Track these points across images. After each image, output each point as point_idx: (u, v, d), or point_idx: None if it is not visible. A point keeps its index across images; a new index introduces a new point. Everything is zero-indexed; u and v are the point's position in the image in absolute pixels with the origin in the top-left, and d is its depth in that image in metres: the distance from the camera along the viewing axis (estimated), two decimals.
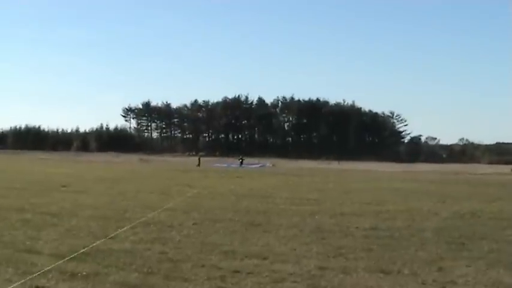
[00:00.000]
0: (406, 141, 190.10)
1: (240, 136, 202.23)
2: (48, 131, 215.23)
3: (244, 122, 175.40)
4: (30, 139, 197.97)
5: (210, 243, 16.05)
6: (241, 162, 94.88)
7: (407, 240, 17.49)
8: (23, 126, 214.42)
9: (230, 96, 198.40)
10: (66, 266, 12.66)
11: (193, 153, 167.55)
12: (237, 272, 12.52)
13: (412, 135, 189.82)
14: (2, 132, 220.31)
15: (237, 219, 21.36)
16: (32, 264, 12.67)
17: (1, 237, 16.53)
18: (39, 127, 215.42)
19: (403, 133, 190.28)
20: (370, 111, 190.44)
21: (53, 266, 12.50)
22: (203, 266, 13.07)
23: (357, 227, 19.96)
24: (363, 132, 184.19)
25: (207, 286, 11.31)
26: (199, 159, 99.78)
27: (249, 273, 12.45)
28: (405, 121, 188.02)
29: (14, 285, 10.93)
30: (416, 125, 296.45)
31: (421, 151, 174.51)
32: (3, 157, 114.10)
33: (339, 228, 19.65)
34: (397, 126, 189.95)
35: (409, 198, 32.68)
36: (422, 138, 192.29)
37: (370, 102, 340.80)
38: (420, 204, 28.70)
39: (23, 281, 11.26)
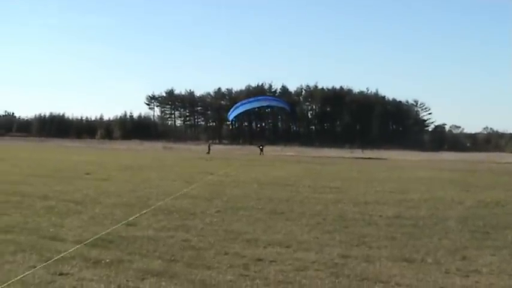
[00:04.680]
0: (430, 129, 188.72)
1: (263, 124, 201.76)
2: (72, 119, 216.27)
3: (268, 110, 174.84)
4: (54, 127, 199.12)
5: (233, 231, 16.08)
6: (261, 150, 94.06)
7: (431, 229, 17.42)
8: (47, 114, 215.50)
9: (253, 84, 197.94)
10: (90, 253, 12.74)
11: (217, 141, 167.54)
12: (260, 260, 12.54)
13: (436, 123, 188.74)
14: (27, 120, 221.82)
15: (260, 207, 21.39)
16: (56, 251, 12.73)
17: (26, 224, 16.65)
18: (63, 115, 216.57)
19: (427, 122, 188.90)
20: (394, 99, 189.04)
21: (76, 253, 12.58)
22: (226, 253, 13.10)
23: (380, 216, 19.92)
24: (386, 120, 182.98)
25: (230, 274, 11.31)
26: (209, 146, 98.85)
27: (272, 261, 12.46)
28: (429, 109, 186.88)
29: (38, 271, 11.01)
30: (440, 113, 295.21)
31: (445, 140, 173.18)
32: (28, 145, 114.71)
33: (362, 217, 19.61)
34: (421, 114, 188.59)
35: (433, 187, 32.50)
36: (447, 127, 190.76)
37: (394, 90, 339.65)
38: (444, 193, 28.56)
39: (47, 267, 11.34)
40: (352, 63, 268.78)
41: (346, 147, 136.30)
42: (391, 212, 20.84)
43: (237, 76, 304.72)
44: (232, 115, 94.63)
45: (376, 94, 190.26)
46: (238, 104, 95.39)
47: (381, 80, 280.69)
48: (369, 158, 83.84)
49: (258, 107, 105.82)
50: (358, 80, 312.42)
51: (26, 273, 10.82)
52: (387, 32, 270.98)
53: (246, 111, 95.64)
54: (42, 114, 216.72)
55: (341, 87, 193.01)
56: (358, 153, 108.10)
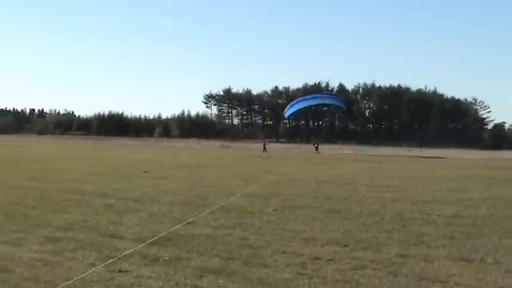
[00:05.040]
0: (489, 128, 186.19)
1: (320, 123, 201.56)
2: (130, 118, 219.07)
3: (325, 108, 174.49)
4: (113, 125, 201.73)
5: (291, 230, 16.07)
6: (317, 148, 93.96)
7: (491, 228, 17.17)
8: (106, 113, 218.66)
9: (311, 82, 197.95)
10: (148, 250, 12.87)
11: (274, 139, 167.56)
12: (318, 258, 12.51)
13: (496, 122, 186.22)
14: (86, 118, 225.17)
15: (317, 206, 21.32)
16: (114, 249, 12.91)
17: (85, 222, 16.89)
18: (122, 114, 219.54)
19: (486, 120, 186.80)
20: (452, 97, 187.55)
21: (135, 250, 12.72)
22: (283, 252, 13.09)
23: (438, 215, 19.69)
24: (445, 119, 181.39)
25: (288, 272, 11.32)
26: (264, 145, 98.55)
27: (329, 260, 12.43)
28: (488, 108, 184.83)
29: (98, 269, 11.15)
30: (499, 111, 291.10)
31: (504, 138, 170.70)
32: (88, 143, 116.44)
33: (421, 216, 19.42)
34: (480, 113, 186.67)
35: (492, 185, 32.04)
36: (506, 125, 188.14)
37: (452, 88, 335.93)
38: (504, 192, 28.16)
39: (106, 264, 11.48)
40: (410, 61, 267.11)
41: (404, 145, 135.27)
42: (449, 211, 20.60)
43: (294, 74, 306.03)
44: (288, 112, 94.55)
45: (435, 92, 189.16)
46: (295, 101, 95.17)
47: (439, 78, 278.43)
48: (427, 157, 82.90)
49: (314, 105, 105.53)
50: (416, 78, 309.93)
51: (86, 270, 10.98)
52: (445, 30, 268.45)
53: (302, 108, 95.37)
54: (101, 113, 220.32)
55: (399, 85, 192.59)
56: (416, 151, 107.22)
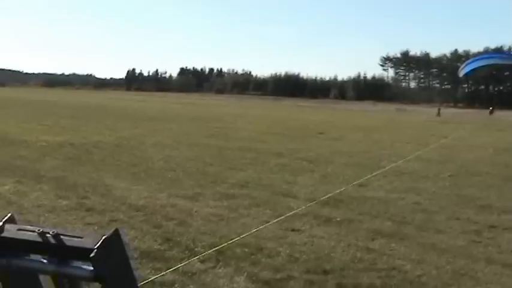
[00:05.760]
0: None
1: (501, 88, 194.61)
2: (306, 79, 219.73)
3: (507, 73, 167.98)
4: (289, 86, 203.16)
5: (466, 196, 15.73)
6: (491, 111, 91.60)
7: None
8: (282, 74, 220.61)
9: (493, 46, 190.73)
10: (321, 211, 12.95)
11: (451, 104, 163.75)
12: (493, 227, 12.19)
13: None
14: (263, 79, 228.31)
15: (494, 173, 20.73)
16: (287, 208, 13.05)
17: (260, 180, 17.23)
18: (298, 75, 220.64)
19: None
20: None
21: (308, 210, 12.84)
22: (458, 218, 12.85)
23: None
24: None
25: (461, 239, 11.10)
26: (439, 109, 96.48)
27: (505, 229, 12.08)
28: None
29: (271, 226, 11.34)
30: None
31: None
32: (264, 103, 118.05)
33: None
34: None
35: None
36: None
37: None
38: None
39: (279, 222, 11.66)
40: None
41: None
42: None
43: (475, 37, 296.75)
44: (463, 71, 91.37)
45: None
46: (471, 60, 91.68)
47: None
48: None
49: (492, 65, 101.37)
50: None
51: (259, 227, 11.20)
52: None
53: (479, 68, 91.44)
54: (277, 74, 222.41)
55: None
56: None
